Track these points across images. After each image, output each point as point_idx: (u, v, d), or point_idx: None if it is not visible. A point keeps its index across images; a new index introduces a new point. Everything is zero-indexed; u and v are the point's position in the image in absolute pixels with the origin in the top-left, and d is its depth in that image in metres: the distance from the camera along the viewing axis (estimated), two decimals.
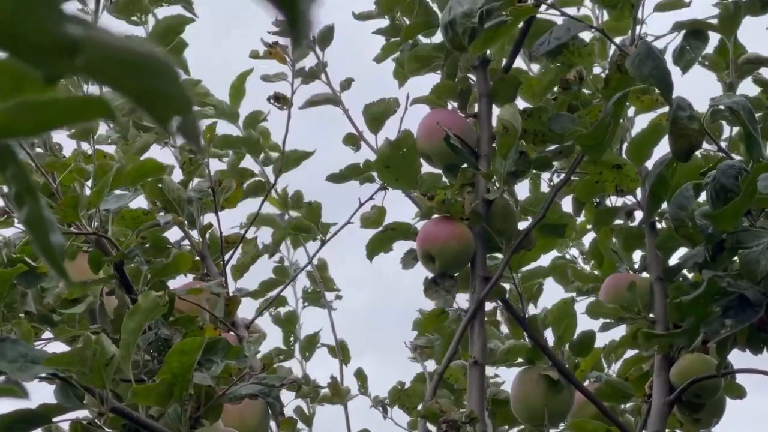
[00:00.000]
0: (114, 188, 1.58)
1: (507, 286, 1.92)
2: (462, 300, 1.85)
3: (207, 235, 2.02)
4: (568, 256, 2.59)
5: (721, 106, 1.76)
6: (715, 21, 2.20)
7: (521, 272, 2.07)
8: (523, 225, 1.87)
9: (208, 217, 2.04)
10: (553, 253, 2.50)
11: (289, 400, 2.01)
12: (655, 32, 2.03)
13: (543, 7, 1.78)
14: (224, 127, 2.27)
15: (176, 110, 0.47)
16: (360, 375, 2.42)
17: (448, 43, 1.66)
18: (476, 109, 1.91)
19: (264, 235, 2.33)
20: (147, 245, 1.77)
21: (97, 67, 0.46)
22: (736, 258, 1.74)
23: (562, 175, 1.88)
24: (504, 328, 2.27)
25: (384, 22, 2.18)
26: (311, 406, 2.36)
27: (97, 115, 0.51)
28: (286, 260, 2.59)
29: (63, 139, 1.99)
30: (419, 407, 1.96)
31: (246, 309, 2.08)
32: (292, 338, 2.57)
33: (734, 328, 1.59)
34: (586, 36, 2.16)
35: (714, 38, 2.20)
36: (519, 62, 2.08)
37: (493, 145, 1.87)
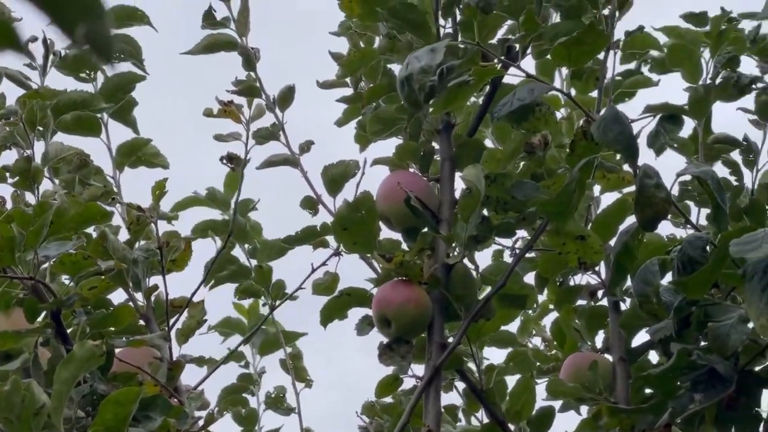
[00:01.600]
0: (55, 233, 1.50)
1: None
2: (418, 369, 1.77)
3: (152, 298, 1.93)
4: (530, 345, 2.53)
5: (690, 176, 1.71)
6: (685, 105, 2.19)
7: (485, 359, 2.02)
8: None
9: (155, 280, 1.96)
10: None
11: None
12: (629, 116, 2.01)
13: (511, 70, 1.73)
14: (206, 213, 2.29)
15: (84, 15, 0.41)
16: None
17: (405, 100, 1.60)
18: (438, 174, 1.86)
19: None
20: (89, 307, 1.68)
21: None
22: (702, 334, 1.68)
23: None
24: (460, 414, 2.20)
25: (348, 91, 2.15)
26: None
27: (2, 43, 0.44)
28: (251, 367, 2.57)
29: (6, 191, 1.92)
30: None
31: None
32: None
33: (703, 404, 1.51)
34: (557, 115, 2.13)
35: (688, 124, 2.19)
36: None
37: (455, 210, 1.81)
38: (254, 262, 2.34)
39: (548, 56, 1.87)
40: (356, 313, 1.83)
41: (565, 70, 2.08)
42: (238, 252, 2.38)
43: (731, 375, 1.54)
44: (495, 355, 2.51)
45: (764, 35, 2.18)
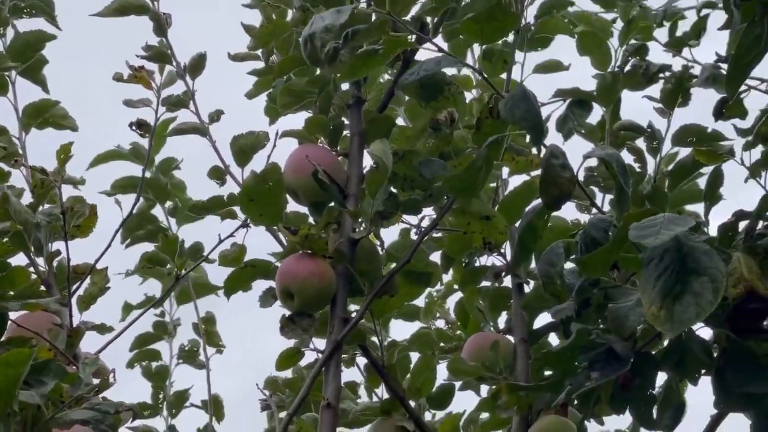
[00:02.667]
0: None
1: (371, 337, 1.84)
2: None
3: (54, 263, 1.90)
4: (434, 327, 2.54)
5: (596, 158, 1.73)
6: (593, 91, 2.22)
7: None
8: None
9: (58, 246, 1.93)
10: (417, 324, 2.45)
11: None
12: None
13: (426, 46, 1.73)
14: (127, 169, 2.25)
15: None
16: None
17: (307, 58, 1.58)
18: (347, 148, 1.85)
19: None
20: None
21: None
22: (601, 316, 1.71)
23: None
24: (362, 391, 2.20)
25: (259, 64, 2.13)
26: None
27: None
28: (167, 315, 2.54)
29: None
30: None
31: (108, 361, 1.97)
32: (161, 395, 2.50)
33: (599, 381, 1.53)
34: (467, 96, 2.14)
35: (597, 111, 2.21)
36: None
37: (362, 185, 1.80)
38: (174, 222, 2.32)
39: (461, 36, 1.88)
40: (261, 285, 1.82)
41: (477, 51, 2.09)
42: (158, 211, 2.37)
43: (628, 355, 1.56)
44: (400, 329, 2.53)
45: (675, 10, 2.20)
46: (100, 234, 2.00)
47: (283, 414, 2.03)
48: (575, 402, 1.75)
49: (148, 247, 2.32)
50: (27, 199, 1.94)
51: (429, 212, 1.93)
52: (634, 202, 1.99)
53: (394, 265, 1.83)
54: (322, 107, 1.85)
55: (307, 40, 1.55)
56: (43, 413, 1.36)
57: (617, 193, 1.67)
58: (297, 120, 1.96)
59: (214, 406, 2.46)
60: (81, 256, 1.95)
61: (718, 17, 2.19)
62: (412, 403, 1.84)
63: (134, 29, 2.08)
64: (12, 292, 1.56)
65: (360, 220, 1.77)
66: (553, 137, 2.14)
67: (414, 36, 1.65)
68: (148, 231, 2.31)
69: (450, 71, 1.97)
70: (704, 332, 1.61)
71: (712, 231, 1.62)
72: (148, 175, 2.28)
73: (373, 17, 1.56)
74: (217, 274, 2.43)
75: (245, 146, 1.90)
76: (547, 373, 1.80)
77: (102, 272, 1.92)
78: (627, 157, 2.21)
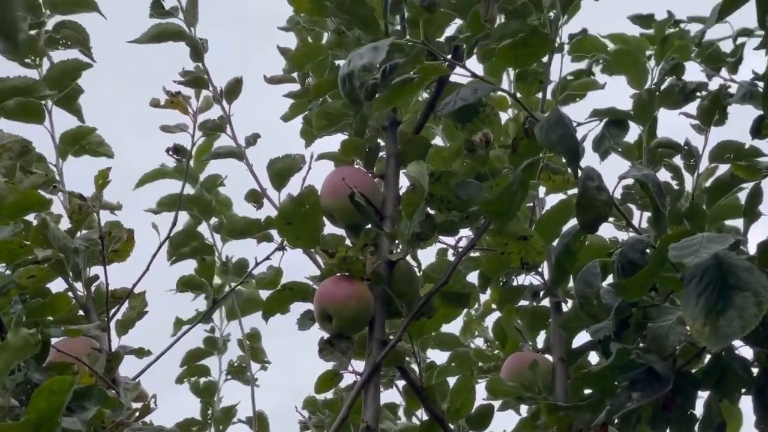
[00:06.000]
0: None
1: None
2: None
3: (92, 288, 1.91)
4: (473, 346, 2.54)
5: (632, 179, 1.73)
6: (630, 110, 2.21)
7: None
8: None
9: (96, 270, 1.95)
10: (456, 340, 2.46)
11: None
12: (572, 117, 2.02)
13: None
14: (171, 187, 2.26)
15: None
16: None
17: (345, 97, 1.59)
18: (383, 170, 1.85)
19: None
20: (27, 296, 1.66)
21: None
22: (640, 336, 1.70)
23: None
24: (401, 413, 2.20)
25: (295, 87, 2.14)
26: None
27: None
28: (218, 330, 2.56)
29: None
30: None
31: (158, 377, 1.98)
32: (210, 410, 2.51)
33: (640, 402, 1.52)
34: (503, 117, 2.14)
35: (634, 129, 2.21)
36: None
37: (399, 207, 1.81)
38: (219, 238, 2.33)
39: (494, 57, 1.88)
40: (299, 308, 1.83)
41: (513, 72, 2.09)
42: (204, 229, 2.39)
43: (669, 375, 1.55)
44: (437, 357, 2.53)
45: (710, 41, 2.20)
46: (137, 257, 2.02)
47: None
48: (615, 422, 1.74)
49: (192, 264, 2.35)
50: (65, 224, 1.96)
51: (466, 232, 1.93)
52: (673, 220, 1.97)
53: (431, 286, 1.83)
54: (358, 129, 1.86)
55: (345, 79, 1.55)
56: None
57: (654, 213, 1.66)
58: (333, 141, 1.97)
59: (258, 423, 2.47)
60: (118, 279, 1.97)
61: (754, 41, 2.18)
62: (451, 426, 1.84)
63: (164, 56, 2.10)
64: (52, 318, 1.58)
65: (397, 241, 1.77)
66: (590, 156, 2.14)
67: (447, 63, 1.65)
68: (193, 248, 2.32)
69: None
70: (745, 351, 1.60)
71: (752, 249, 1.61)
72: (192, 191, 2.30)
73: (408, 45, 1.57)
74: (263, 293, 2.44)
75: (282, 170, 1.90)
76: (587, 392, 1.79)
77: (140, 296, 1.93)
78: (664, 175, 2.20)
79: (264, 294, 2.07)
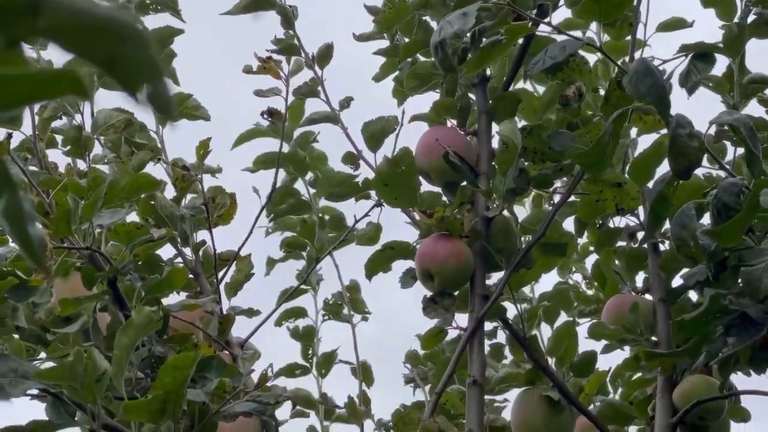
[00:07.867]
0: (108, 203, 1.56)
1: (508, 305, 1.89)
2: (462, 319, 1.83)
3: (200, 253, 2.00)
4: (571, 282, 2.58)
5: (723, 125, 1.74)
6: (720, 43, 2.20)
7: (526, 298, 2.05)
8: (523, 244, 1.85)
9: (202, 235, 2.03)
10: (555, 278, 2.50)
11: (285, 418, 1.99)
12: (662, 56, 2.02)
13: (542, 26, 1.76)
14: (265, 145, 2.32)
15: (146, 77, 0.45)
16: (365, 398, 2.41)
17: (438, 65, 1.63)
18: (476, 127, 1.89)
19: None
20: (140, 263, 1.75)
21: (61, 31, 0.44)
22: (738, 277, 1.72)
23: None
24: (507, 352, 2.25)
25: (384, 43, 2.18)
26: (325, 425, 2.36)
27: (68, 91, 0.48)
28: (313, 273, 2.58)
29: (59, 157, 1.98)
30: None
31: (245, 327, 2.06)
32: (310, 352, 2.56)
33: (736, 347, 1.56)
34: (591, 58, 2.15)
35: (721, 61, 2.19)
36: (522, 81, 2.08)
37: (493, 163, 1.85)
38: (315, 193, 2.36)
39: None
40: (400, 266, 1.88)
41: None
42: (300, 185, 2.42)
43: (763, 318, 1.58)
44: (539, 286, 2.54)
45: None
46: (239, 219, 2.09)
47: (427, 387, 2.10)
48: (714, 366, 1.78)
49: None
50: (169, 191, 2.04)
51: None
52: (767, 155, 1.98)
53: (529, 237, 1.87)
54: (449, 88, 1.90)
55: (437, 47, 1.59)
56: (208, 407, 1.45)
57: (747, 156, 1.68)
58: (424, 99, 2.01)
59: (363, 372, 2.53)
60: (222, 241, 2.05)
61: None
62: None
63: (257, 26, 2.14)
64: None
65: (493, 197, 1.81)
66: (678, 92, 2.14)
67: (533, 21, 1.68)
68: (291, 205, 2.37)
69: None
70: None
71: None
72: (286, 149, 2.35)
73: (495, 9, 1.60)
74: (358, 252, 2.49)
75: (376, 131, 1.95)
76: None
77: (246, 259, 2.01)
78: (757, 109, 2.19)
79: (360, 254, 2.12)
